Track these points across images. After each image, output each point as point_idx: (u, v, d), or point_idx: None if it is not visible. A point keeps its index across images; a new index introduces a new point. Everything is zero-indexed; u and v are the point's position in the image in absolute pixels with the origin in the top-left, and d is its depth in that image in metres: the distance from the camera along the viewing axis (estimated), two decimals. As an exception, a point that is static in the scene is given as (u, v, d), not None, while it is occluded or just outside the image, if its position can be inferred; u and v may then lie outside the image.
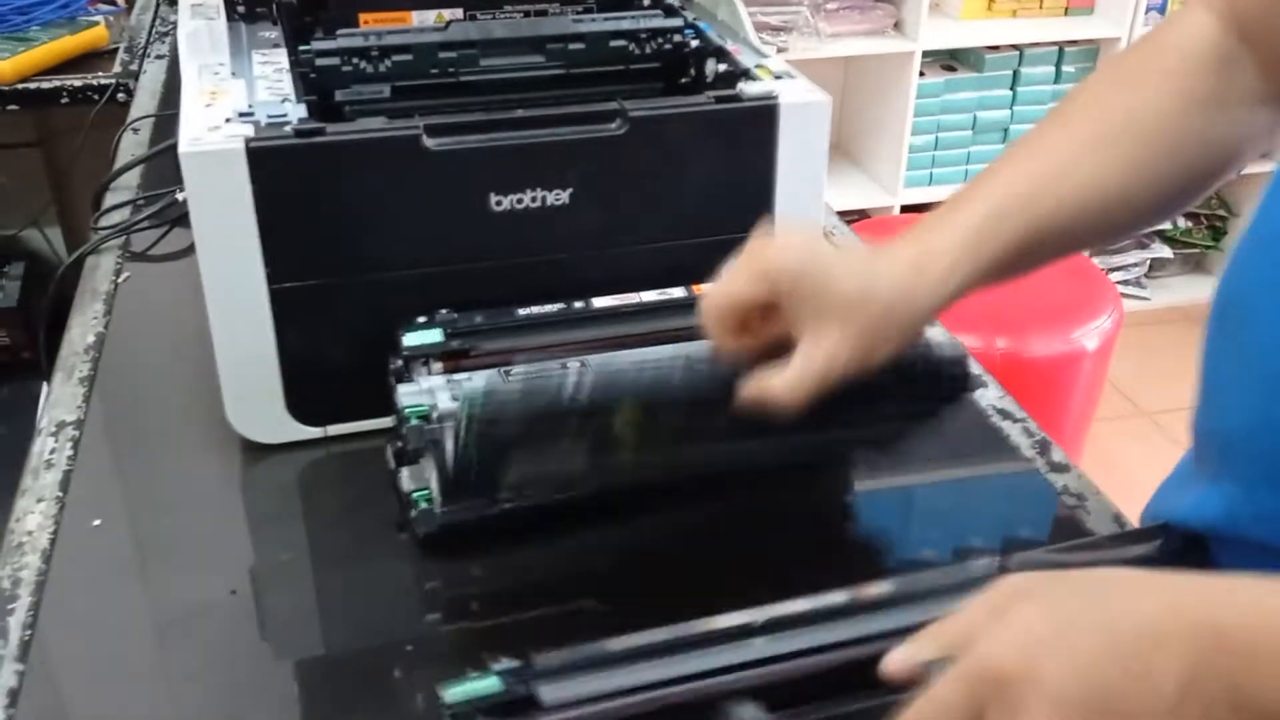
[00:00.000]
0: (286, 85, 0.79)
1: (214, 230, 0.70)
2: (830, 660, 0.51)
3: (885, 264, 0.59)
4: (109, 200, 1.13)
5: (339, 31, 0.86)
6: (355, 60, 0.84)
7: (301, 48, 0.84)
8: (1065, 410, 1.76)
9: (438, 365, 0.72)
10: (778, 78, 0.81)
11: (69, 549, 0.68)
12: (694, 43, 0.90)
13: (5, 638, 0.61)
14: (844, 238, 1.11)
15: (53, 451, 0.76)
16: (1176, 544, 0.59)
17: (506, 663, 0.49)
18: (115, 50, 1.58)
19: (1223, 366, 0.60)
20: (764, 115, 0.77)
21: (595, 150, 0.75)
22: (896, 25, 2.38)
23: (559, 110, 0.75)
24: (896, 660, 0.45)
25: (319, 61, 0.83)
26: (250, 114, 0.72)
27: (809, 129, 0.78)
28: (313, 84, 0.83)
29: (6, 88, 1.47)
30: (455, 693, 0.48)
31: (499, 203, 0.74)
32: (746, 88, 0.78)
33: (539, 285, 0.76)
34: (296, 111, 0.74)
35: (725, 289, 0.60)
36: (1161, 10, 2.45)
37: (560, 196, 0.75)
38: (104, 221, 1.09)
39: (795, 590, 0.53)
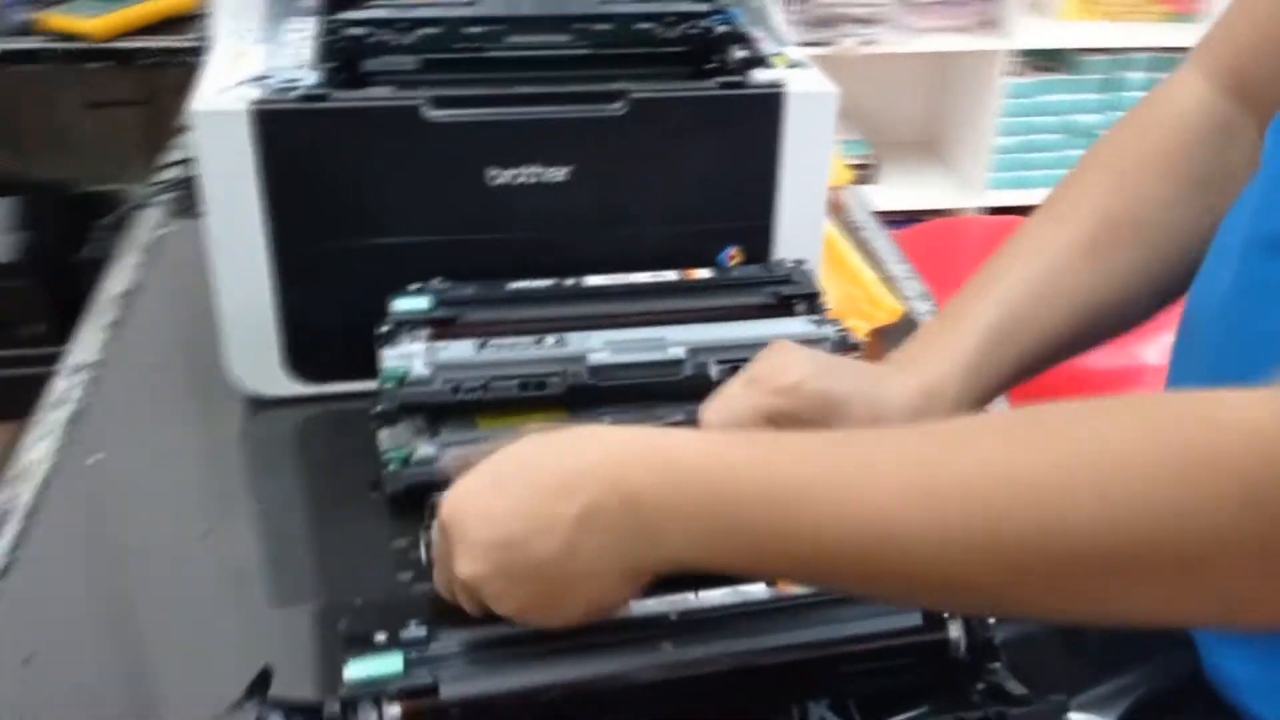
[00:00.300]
0: (309, 52, 0.81)
1: (220, 189, 0.73)
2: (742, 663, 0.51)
3: (895, 391, 0.57)
4: (168, 156, 1.18)
5: (370, 2, 0.88)
6: (383, 31, 0.86)
7: (331, 17, 0.86)
8: (1125, 426, 1.71)
9: (423, 332, 0.73)
10: (792, 67, 0.81)
11: (63, 482, 0.72)
12: (720, 28, 0.89)
13: (-12, 561, 0.65)
14: (904, 276, 1.10)
15: (67, 390, 0.80)
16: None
17: (415, 630, 0.51)
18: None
19: (1181, 379, 0.59)
20: (770, 104, 0.77)
21: (595, 130, 0.76)
22: (991, 22, 2.33)
23: (561, 88, 0.76)
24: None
25: (347, 31, 0.85)
26: (265, 78, 0.75)
27: (816, 120, 0.78)
28: (340, 53, 0.85)
29: (96, 45, 1.53)
30: (356, 668, 0.49)
31: (496, 176, 0.75)
32: (754, 75, 0.78)
33: (534, 261, 0.77)
34: (311, 78, 0.76)
35: (727, 413, 0.57)
36: (1273, 19, 2.35)
37: (558, 174, 0.76)
38: (159, 177, 1.13)
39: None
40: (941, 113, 2.62)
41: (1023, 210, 2.53)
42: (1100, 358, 1.67)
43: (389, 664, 0.49)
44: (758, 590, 0.54)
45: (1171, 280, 0.60)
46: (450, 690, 0.49)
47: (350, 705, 0.48)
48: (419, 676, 0.49)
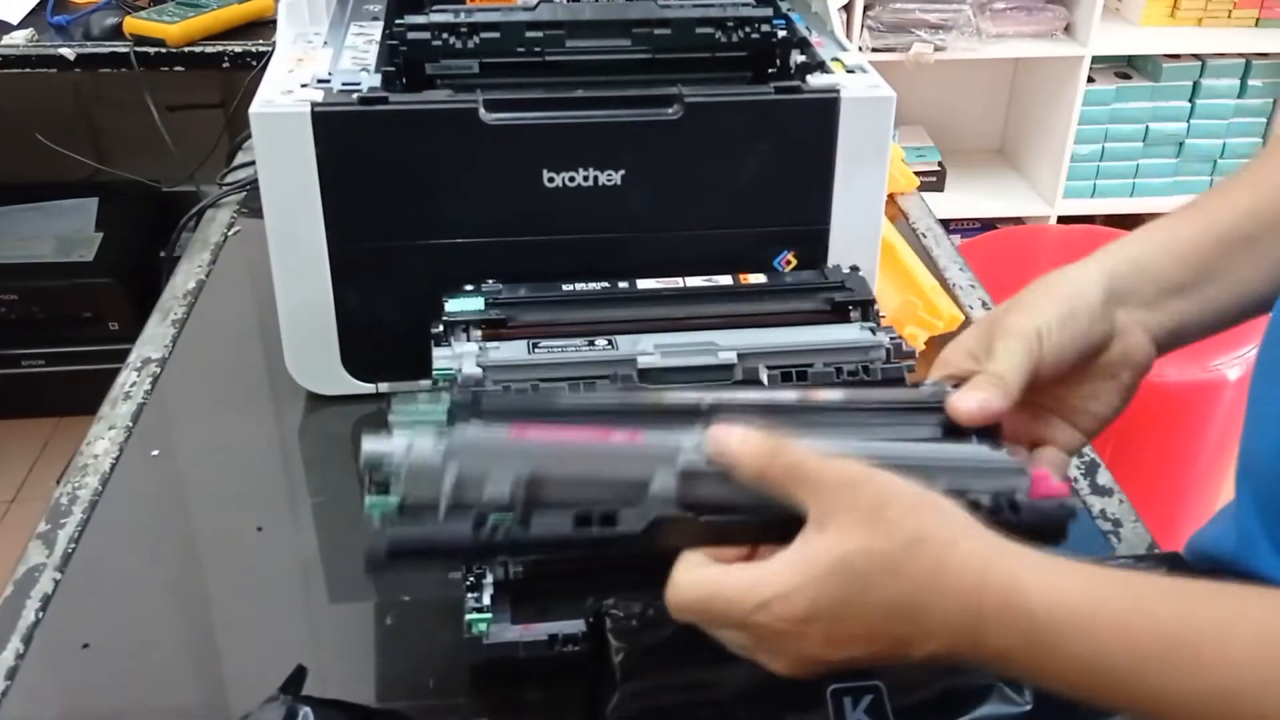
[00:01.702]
0: (371, 56, 0.82)
1: (280, 190, 0.74)
2: None
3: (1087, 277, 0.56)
4: (240, 158, 1.20)
5: (433, 7, 0.90)
6: (445, 35, 0.87)
7: (396, 21, 0.88)
8: (1200, 443, 1.67)
9: (477, 332, 0.74)
10: (850, 71, 0.80)
11: (126, 474, 0.74)
12: (781, 33, 0.89)
13: (52, 549, 0.67)
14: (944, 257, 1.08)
15: (133, 385, 0.82)
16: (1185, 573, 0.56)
17: None
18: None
19: (1261, 386, 0.57)
20: (825, 108, 0.76)
21: (650, 133, 0.76)
22: (1068, 28, 2.29)
23: (616, 92, 0.76)
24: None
25: (410, 35, 0.86)
26: (326, 81, 0.76)
27: (871, 124, 0.77)
28: (404, 57, 0.86)
29: (174, 49, 1.57)
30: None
31: (551, 179, 0.76)
32: (810, 80, 0.78)
33: (587, 263, 0.78)
34: (371, 80, 0.77)
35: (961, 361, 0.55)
36: (1365, 25, 2.28)
37: (613, 177, 0.76)
38: (231, 178, 1.16)
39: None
40: (1016, 120, 2.58)
41: (1097, 220, 2.49)
42: (1180, 373, 1.63)
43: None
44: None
45: None
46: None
47: None
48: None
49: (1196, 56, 2.34)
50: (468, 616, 0.58)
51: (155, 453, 0.76)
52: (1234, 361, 1.61)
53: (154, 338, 0.88)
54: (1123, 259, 0.58)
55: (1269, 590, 0.43)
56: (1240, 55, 2.33)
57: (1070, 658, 0.43)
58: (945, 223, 1.17)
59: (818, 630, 0.44)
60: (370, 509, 0.47)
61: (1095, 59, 2.27)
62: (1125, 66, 2.42)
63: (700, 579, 0.46)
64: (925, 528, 0.45)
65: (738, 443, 0.47)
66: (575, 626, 0.58)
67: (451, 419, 0.49)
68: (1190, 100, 2.37)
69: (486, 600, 0.59)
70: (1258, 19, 2.34)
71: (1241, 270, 0.58)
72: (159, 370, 0.84)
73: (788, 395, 0.53)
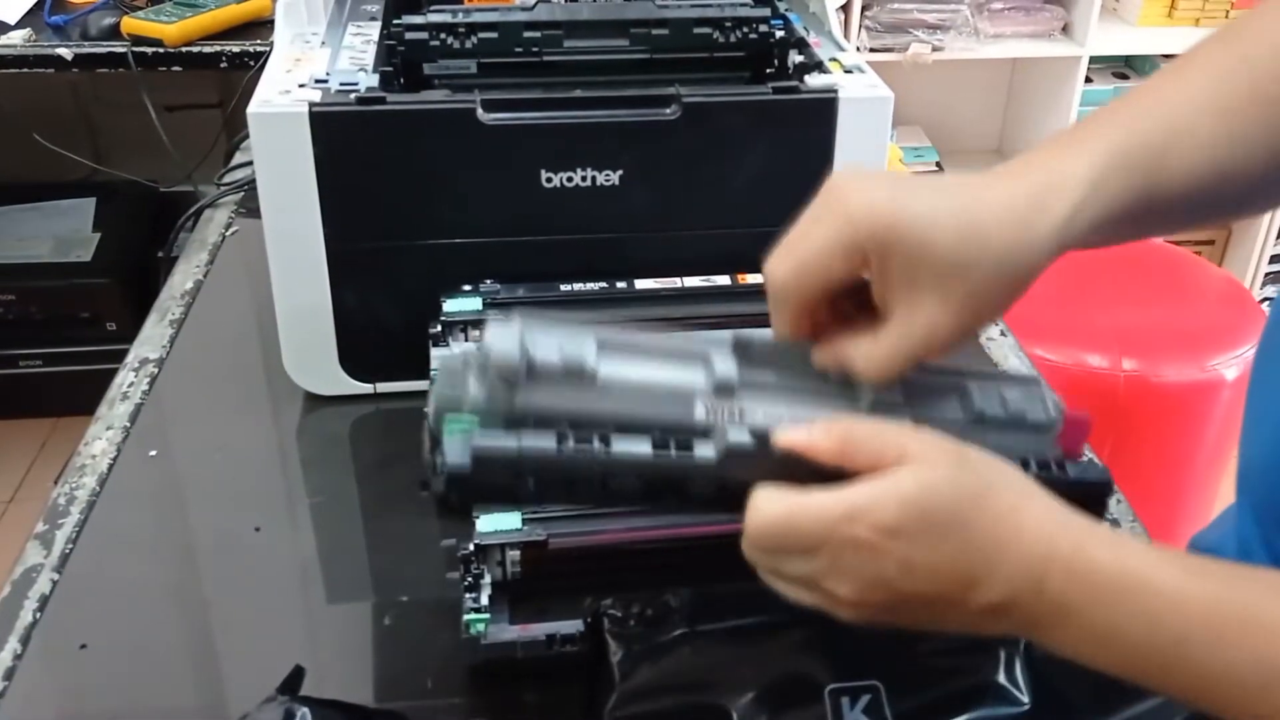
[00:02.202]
0: (369, 56, 0.82)
1: (278, 190, 0.74)
2: None
3: (994, 207, 0.48)
4: (238, 159, 1.20)
5: (431, 7, 0.90)
6: (443, 35, 0.87)
7: (394, 21, 0.87)
8: (1198, 444, 1.67)
9: (475, 332, 0.74)
10: (848, 72, 0.80)
11: (123, 475, 0.73)
12: (779, 33, 0.89)
13: (50, 549, 0.67)
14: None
15: (130, 385, 0.82)
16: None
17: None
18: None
19: (1259, 393, 0.57)
20: (823, 109, 0.76)
21: (647, 134, 0.76)
22: (1065, 28, 2.29)
23: (614, 93, 0.76)
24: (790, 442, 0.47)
25: (408, 35, 0.86)
26: (324, 81, 0.76)
27: (869, 125, 0.77)
28: (401, 57, 0.86)
29: (171, 49, 1.57)
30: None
31: (550, 179, 0.76)
32: (808, 80, 0.78)
33: (586, 263, 0.78)
34: (369, 81, 0.77)
35: (794, 260, 0.49)
36: (1363, 25, 2.28)
37: (611, 177, 0.76)
38: (229, 178, 1.16)
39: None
40: (1014, 120, 2.58)
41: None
42: (1177, 373, 1.63)
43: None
44: None
45: None
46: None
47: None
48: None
49: (1194, 56, 2.34)
50: (465, 617, 0.58)
51: (153, 453, 0.76)
52: (1231, 362, 1.62)
53: (151, 338, 0.88)
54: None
55: None
56: (1238, 55, 2.33)
57: (1127, 615, 0.43)
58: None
59: (900, 548, 0.44)
60: (449, 429, 0.46)
61: (1093, 59, 2.27)
62: (1123, 66, 2.42)
63: (783, 497, 0.45)
64: (1006, 477, 0.46)
65: (805, 441, 0.46)
66: (573, 627, 0.58)
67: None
68: (1188, 100, 2.37)
69: (484, 600, 0.59)
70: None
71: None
72: (157, 371, 0.84)
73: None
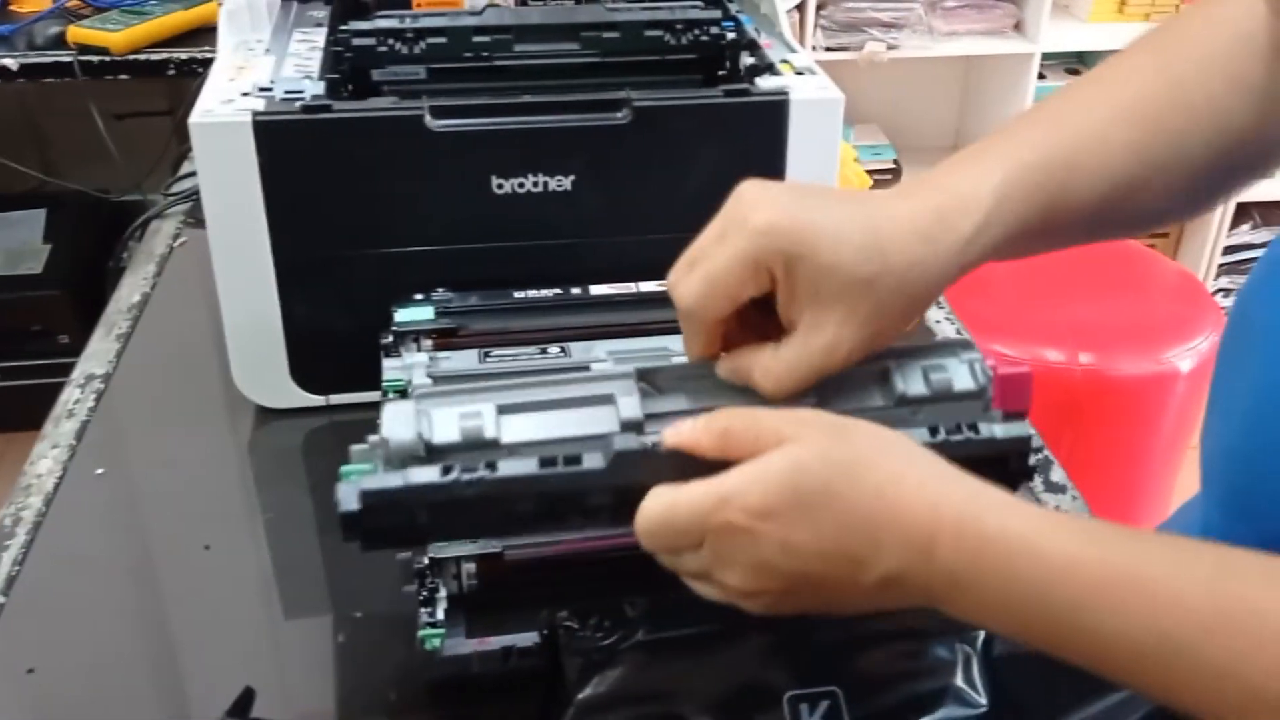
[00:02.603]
0: (315, 63, 0.81)
1: (222, 201, 0.73)
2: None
3: (898, 223, 0.49)
4: (185, 168, 1.19)
5: (378, 13, 0.89)
6: (391, 41, 0.86)
7: (340, 27, 0.86)
8: (1155, 436, 1.69)
9: (427, 342, 0.73)
10: (799, 73, 0.80)
11: (70, 494, 0.72)
12: (730, 35, 0.89)
13: (-6, 571, 0.66)
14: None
15: (76, 402, 0.80)
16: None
17: None
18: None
19: (1224, 381, 0.58)
20: (774, 110, 0.76)
21: (598, 138, 0.75)
22: (1018, 26, 2.31)
23: (565, 97, 0.76)
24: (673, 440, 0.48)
25: (355, 41, 0.85)
26: (269, 89, 0.75)
27: (821, 126, 0.77)
28: (347, 63, 0.85)
29: (118, 58, 1.55)
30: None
31: (500, 185, 0.75)
32: (759, 82, 0.77)
33: (539, 269, 0.77)
34: (314, 88, 0.76)
35: (702, 277, 0.50)
36: (1308, 18, 2.31)
37: (563, 183, 0.76)
38: (176, 188, 1.14)
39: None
40: (970, 116, 2.60)
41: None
42: (1132, 365, 1.65)
43: None
44: None
45: (1210, 174, 0.55)
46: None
47: None
48: None
49: (1144, 52, 2.36)
50: (421, 632, 0.57)
51: (100, 471, 0.74)
52: (1186, 354, 1.63)
53: (98, 353, 0.86)
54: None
55: (1223, 546, 0.42)
56: (1187, 50, 2.36)
57: (1019, 583, 0.42)
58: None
59: (775, 529, 0.44)
60: (344, 475, 0.48)
61: (1046, 55, 2.29)
62: (1075, 63, 2.44)
63: (663, 495, 0.46)
64: (887, 445, 0.46)
65: (689, 437, 0.47)
66: (530, 639, 0.58)
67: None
68: (1139, 95, 2.40)
69: (440, 614, 0.58)
70: (1203, 14, 2.36)
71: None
72: (103, 386, 0.82)
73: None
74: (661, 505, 0.46)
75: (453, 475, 0.47)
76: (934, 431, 0.51)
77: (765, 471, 0.44)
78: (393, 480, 0.47)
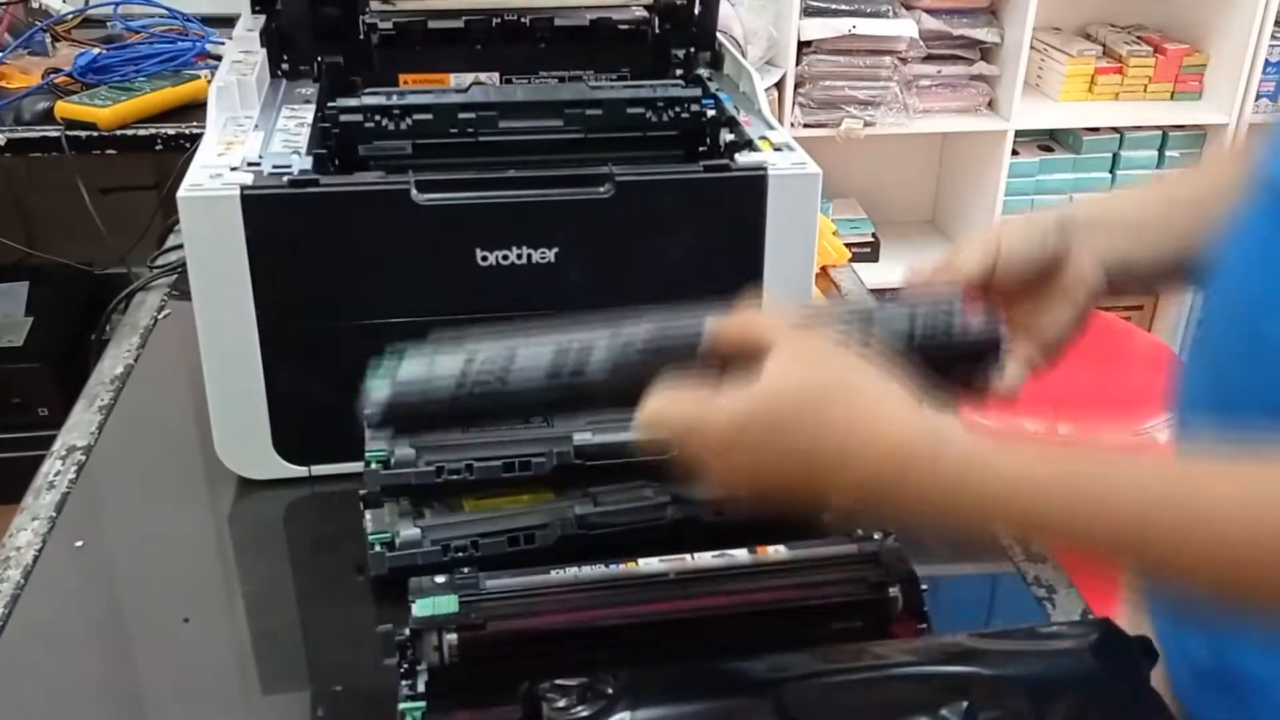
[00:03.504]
0: (303, 139, 0.83)
1: (209, 274, 0.74)
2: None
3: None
4: (171, 240, 1.19)
5: (366, 90, 0.90)
6: (378, 117, 0.87)
7: (329, 104, 0.88)
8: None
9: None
10: (777, 149, 0.82)
11: (49, 567, 0.71)
12: (710, 112, 0.91)
13: (-30, 646, 0.65)
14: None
15: (57, 474, 0.80)
16: (1117, 639, 0.56)
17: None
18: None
19: (1183, 394, 0.63)
20: (753, 185, 0.78)
21: (582, 212, 0.77)
22: (991, 104, 2.36)
23: (548, 172, 0.77)
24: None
25: (342, 118, 0.87)
26: (257, 164, 0.76)
27: (799, 200, 0.78)
28: (336, 139, 0.87)
29: (107, 133, 1.56)
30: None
31: (485, 258, 0.76)
32: (739, 158, 0.79)
33: (522, 341, 0.78)
34: (302, 163, 0.77)
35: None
36: (1273, 98, 2.37)
37: (547, 255, 0.77)
38: (161, 261, 1.15)
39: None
40: (945, 191, 2.64)
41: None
42: (1111, 436, 1.65)
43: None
44: (740, 554, 0.64)
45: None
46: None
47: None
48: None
49: (1115, 129, 2.42)
50: (401, 704, 0.57)
51: (79, 544, 0.74)
52: (1163, 425, 1.65)
53: (79, 424, 0.86)
54: (1080, 201, 0.68)
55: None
56: (1157, 127, 2.42)
57: (992, 478, 0.49)
58: (880, 292, 1.19)
59: (739, 459, 0.50)
60: (373, 371, 0.57)
61: (1019, 133, 2.34)
62: (1048, 139, 2.49)
63: (655, 404, 0.52)
64: (866, 368, 0.52)
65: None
66: (512, 713, 0.57)
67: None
68: (1111, 171, 2.45)
69: (421, 687, 0.58)
70: (1172, 92, 2.43)
71: (1183, 221, 0.65)
72: (84, 458, 0.82)
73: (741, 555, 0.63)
74: (652, 415, 0.52)
75: (469, 373, 0.54)
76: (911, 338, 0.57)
77: (734, 403, 0.50)
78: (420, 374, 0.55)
